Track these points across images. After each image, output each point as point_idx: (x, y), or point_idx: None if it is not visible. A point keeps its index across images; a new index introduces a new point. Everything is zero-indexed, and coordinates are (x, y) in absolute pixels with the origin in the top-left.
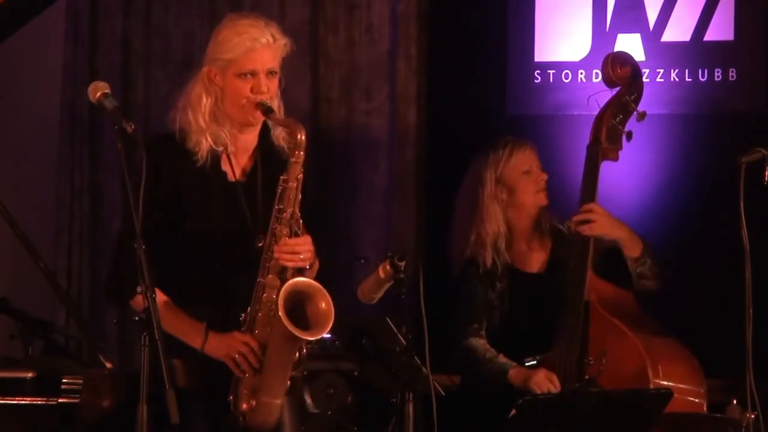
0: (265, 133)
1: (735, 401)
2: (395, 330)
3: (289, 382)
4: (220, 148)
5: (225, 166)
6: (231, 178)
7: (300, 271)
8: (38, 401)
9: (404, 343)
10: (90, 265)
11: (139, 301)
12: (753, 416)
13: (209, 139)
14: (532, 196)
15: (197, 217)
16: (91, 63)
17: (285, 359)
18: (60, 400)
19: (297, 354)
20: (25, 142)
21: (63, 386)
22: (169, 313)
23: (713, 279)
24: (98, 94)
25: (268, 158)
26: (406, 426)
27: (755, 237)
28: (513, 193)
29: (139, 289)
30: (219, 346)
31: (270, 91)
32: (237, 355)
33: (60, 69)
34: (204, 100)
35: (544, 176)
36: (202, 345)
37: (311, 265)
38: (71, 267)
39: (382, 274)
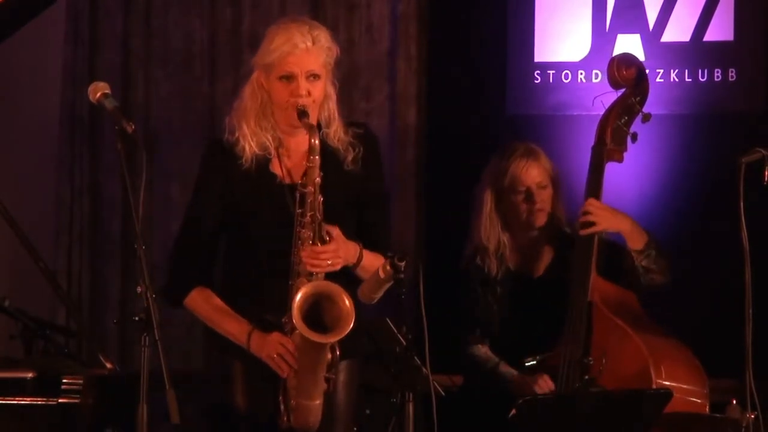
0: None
1: (735, 401)
2: (395, 330)
3: (325, 384)
4: (266, 153)
5: (275, 168)
6: (282, 180)
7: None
8: (38, 401)
9: (404, 343)
10: (90, 265)
11: (193, 300)
12: (753, 416)
13: (253, 143)
14: (524, 217)
15: (244, 219)
16: (91, 63)
17: (314, 361)
18: (60, 401)
19: (329, 355)
20: (25, 142)
21: (63, 386)
22: (218, 314)
23: (713, 279)
24: (98, 94)
25: (322, 158)
26: (406, 426)
27: (755, 237)
28: (508, 208)
29: (139, 289)
30: (260, 346)
31: (312, 94)
32: (275, 356)
33: (60, 69)
34: (249, 104)
35: (542, 196)
36: (247, 345)
37: (357, 265)
38: (71, 267)
39: (382, 274)
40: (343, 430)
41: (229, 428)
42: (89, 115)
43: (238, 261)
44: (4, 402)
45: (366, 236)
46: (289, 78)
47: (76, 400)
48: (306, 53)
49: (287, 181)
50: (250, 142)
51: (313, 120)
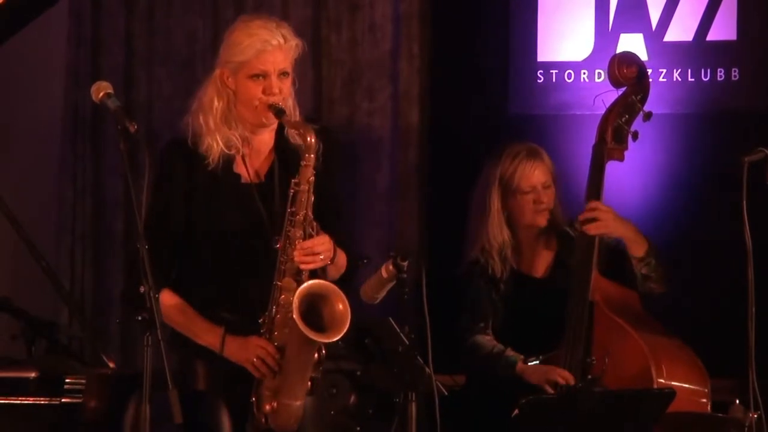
0: (281, 132)
1: (738, 401)
2: (398, 330)
3: (309, 384)
4: (232, 151)
5: (239, 168)
6: (246, 179)
7: (314, 273)
8: (41, 401)
9: (407, 343)
10: (92, 264)
11: (162, 303)
12: (756, 416)
13: (220, 142)
14: (530, 217)
15: (209, 220)
16: (94, 63)
17: (303, 361)
18: (63, 400)
19: (316, 355)
20: (28, 142)
21: (66, 386)
22: (187, 318)
23: (716, 278)
24: (101, 94)
25: (286, 158)
26: (408, 426)
27: (758, 236)
28: (514, 209)
29: (142, 289)
30: (237, 350)
31: (282, 92)
32: (255, 359)
33: (62, 69)
34: (215, 103)
35: (547, 195)
36: (221, 349)
37: (333, 260)
38: (74, 267)
39: (384, 273)
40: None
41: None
42: (92, 115)
43: (202, 261)
44: (6, 402)
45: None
46: (262, 76)
47: (79, 400)
48: (278, 50)
49: (253, 180)
50: (218, 141)
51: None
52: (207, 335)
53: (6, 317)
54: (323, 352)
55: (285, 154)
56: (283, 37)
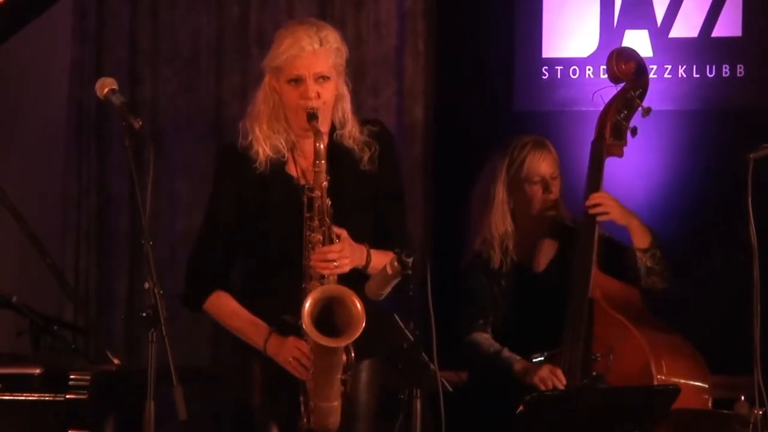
0: (332, 134)
1: (743, 397)
2: (402, 326)
3: (342, 386)
4: (279, 155)
5: (291, 170)
6: (297, 181)
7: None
8: (46, 397)
9: (412, 339)
10: (97, 261)
11: (211, 305)
12: (760, 413)
13: (266, 147)
14: (538, 207)
15: (261, 222)
16: (98, 60)
17: (329, 364)
18: (67, 396)
19: (344, 357)
20: (33, 140)
21: (70, 382)
22: (236, 319)
23: (721, 275)
24: (105, 90)
25: (337, 159)
26: (413, 422)
27: (763, 233)
28: (521, 199)
29: (146, 285)
30: (277, 350)
31: (322, 97)
32: (291, 359)
33: (67, 66)
34: (262, 108)
35: (555, 186)
36: (264, 349)
37: (367, 266)
38: (78, 264)
39: (389, 270)
40: (364, 429)
41: (246, 427)
42: (97, 112)
43: (256, 263)
44: (11, 398)
45: (381, 235)
46: (298, 81)
47: (84, 396)
48: (313, 55)
49: (303, 182)
50: (263, 145)
51: (325, 122)
52: (254, 335)
53: (11, 314)
54: (352, 354)
55: (337, 156)
56: (320, 41)
